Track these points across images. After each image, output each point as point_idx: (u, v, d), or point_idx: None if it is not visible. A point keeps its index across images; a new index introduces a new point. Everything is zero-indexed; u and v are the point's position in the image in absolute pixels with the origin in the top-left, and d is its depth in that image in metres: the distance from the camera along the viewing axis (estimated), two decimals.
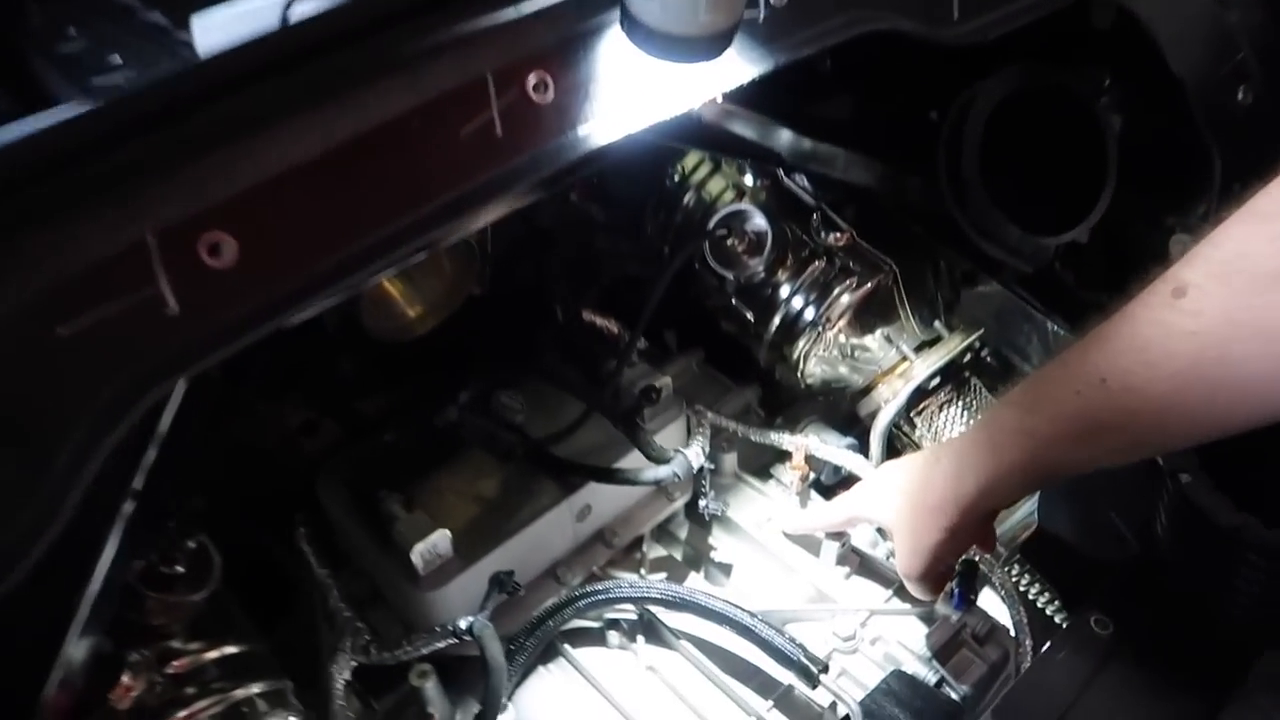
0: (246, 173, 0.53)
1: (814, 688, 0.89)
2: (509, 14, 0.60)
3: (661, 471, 0.99)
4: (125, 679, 0.82)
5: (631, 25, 0.58)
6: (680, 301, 1.28)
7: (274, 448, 1.14)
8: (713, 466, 1.06)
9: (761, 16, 0.67)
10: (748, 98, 1.11)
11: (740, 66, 0.68)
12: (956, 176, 1.03)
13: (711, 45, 0.60)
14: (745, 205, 1.14)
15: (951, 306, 1.23)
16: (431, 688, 0.95)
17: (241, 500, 1.07)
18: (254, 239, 0.52)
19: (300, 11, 0.65)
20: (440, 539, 0.96)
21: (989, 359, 1.20)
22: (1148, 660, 0.87)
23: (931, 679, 0.92)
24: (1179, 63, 0.91)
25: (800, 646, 0.89)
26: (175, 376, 0.53)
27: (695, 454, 1.02)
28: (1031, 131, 1.02)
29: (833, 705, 0.90)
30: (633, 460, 1.05)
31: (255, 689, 0.88)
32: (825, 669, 0.89)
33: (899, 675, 0.90)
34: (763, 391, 1.29)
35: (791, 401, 1.28)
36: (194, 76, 0.56)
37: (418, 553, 0.95)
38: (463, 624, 0.89)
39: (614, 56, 0.63)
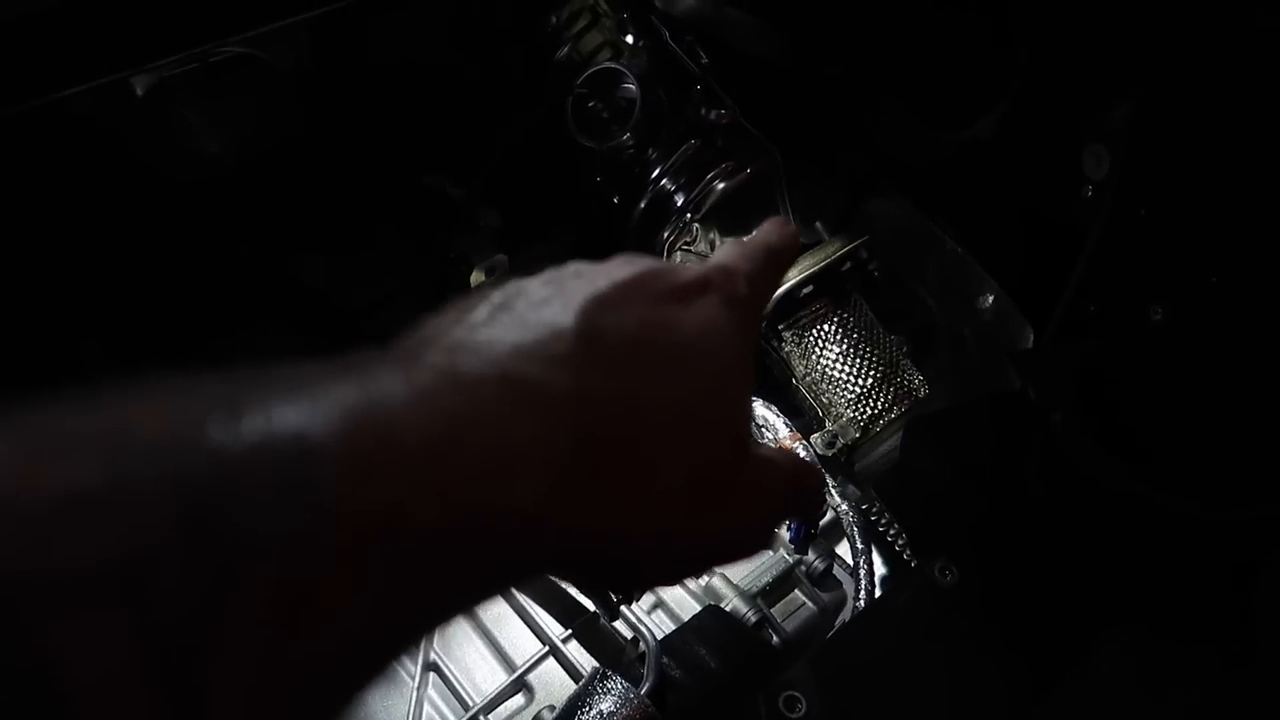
0: None
1: (614, 620, 0.78)
2: None
3: None
4: None
5: None
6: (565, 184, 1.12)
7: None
8: None
9: None
10: None
11: None
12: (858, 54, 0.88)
13: None
14: (616, 65, 0.97)
15: (847, 214, 1.09)
16: None
17: None
18: None
19: None
20: None
21: (876, 274, 1.07)
22: (988, 617, 0.78)
23: (752, 618, 0.81)
24: None
25: None
26: None
27: None
28: (951, 10, 0.88)
29: (635, 640, 0.79)
30: None
31: None
32: (628, 599, 0.77)
33: (713, 611, 0.79)
34: None
35: None
36: None
37: None
38: None
39: None
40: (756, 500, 0.35)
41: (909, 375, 1.04)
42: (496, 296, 0.31)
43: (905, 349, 1.07)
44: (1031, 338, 0.96)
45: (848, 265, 1.01)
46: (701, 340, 0.32)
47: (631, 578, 0.35)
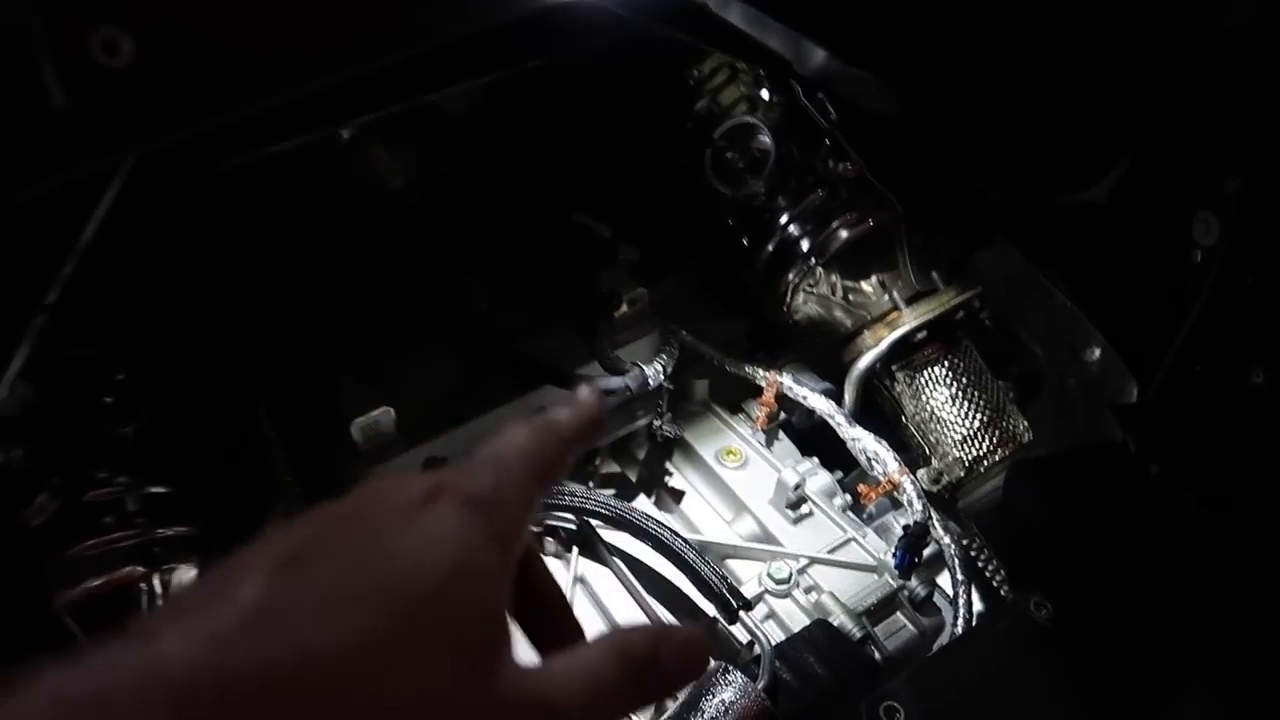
0: None
1: (732, 623, 0.87)
2: None
3: (613, 381, 0.96)
4: (41, 499, 0.81)
5: None
6: (694, 223, 1.22)
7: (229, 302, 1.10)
8: (671, 387, 1.03)
9: None
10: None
11: None
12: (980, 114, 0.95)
13: None
14: (753, 119, 1.07)
15: (961, 263, 1.16)
16: None
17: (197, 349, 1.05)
18: (153, 38, 0.48)
19: None
20: (383, 415, 0.94)
21: (988, 322, 1.14)
22: (1078, 652, 0.83)
23: (857, 634, 0.88)
24: (1234, 11, 0.82)
25: (724, 580, 0.86)
26: (57, 175, 0.49)
27: (654, 371, 0.98)
28: (1072, 78, 0.94)
29: (750, 644, 0.87)
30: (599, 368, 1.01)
31: (171, 530, 0.87)
32: (746, 606, 0.86)
33: (822, 625, 0.87)
34: (753, 326, 1.24)
35: (782, 341, 1.23)
36: None
37: (358, 426, 0.93)
38: None
39: None
40: (534, 714, 0.31)
41: (1014, 420, 1.10)
42: (248, 559, 0.30)
43: (1012, 395, 1.14)
44: (1135, 392, 1.01)
45: (961, 314, 1.08)
46: (421, 560, 0.31)
47: None
